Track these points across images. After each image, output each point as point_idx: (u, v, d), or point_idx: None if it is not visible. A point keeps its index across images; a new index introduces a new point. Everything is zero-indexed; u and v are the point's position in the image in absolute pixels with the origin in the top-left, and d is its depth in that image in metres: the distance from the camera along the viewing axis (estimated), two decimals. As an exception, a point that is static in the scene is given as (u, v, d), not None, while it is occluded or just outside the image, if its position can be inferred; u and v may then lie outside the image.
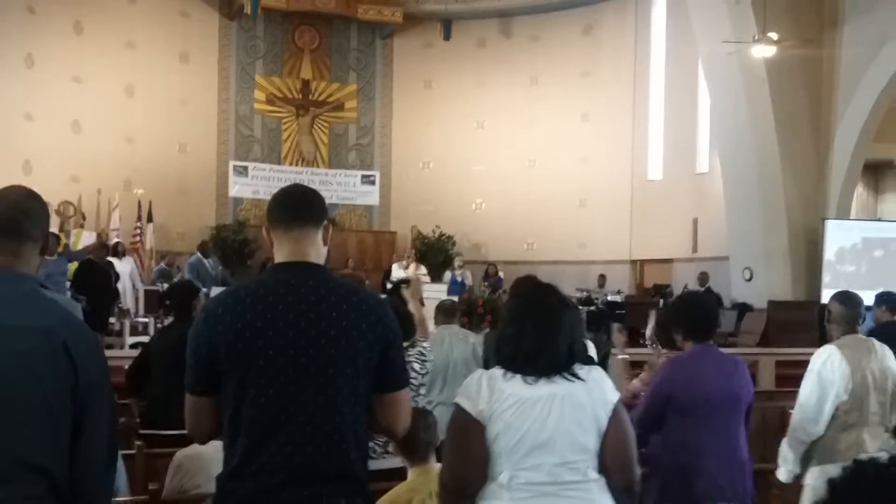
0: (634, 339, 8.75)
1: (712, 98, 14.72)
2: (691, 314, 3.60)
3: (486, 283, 14.86)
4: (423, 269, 14.20)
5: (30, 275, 2.00)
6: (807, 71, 13.13)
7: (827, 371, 3.80)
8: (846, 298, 3.97)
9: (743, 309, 13.47)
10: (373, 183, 17.98)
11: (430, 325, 5.29)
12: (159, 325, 11.08)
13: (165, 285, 13.12)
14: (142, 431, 4.64)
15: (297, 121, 18.29)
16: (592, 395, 2.44)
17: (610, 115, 18.27)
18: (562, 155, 18.46)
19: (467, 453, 2.40)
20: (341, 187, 17.44)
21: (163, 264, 14.15)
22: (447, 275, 14.54)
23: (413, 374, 4.03)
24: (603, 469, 2.43)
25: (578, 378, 2.43)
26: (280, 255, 2.26)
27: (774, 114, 13.09)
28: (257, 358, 2.10)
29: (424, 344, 4.24)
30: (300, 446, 2.09)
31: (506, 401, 2.40)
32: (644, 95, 18.14)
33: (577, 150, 18.45)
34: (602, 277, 16.37)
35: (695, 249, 16.61)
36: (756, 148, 13.49)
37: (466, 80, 18.66)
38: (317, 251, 2.27)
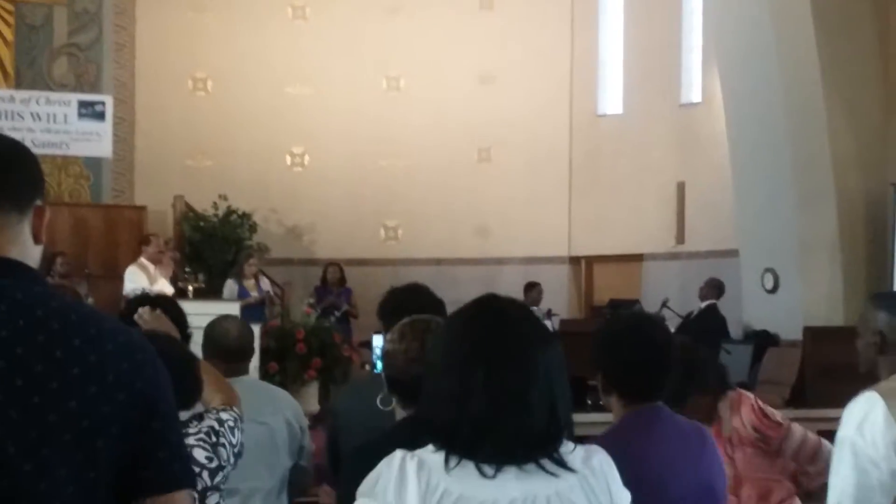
0: (578, 396, 8.96)
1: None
2: (620, 354, 3.71)
3: (311, 301, 14.82)
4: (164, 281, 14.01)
5: None
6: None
7: (864, 440, 3.80)
8: None
9: (762, 341, 13.96)
10: (101, 117, 17.55)
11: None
12: None
13: None
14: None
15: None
16: (596, 499, 2.55)
17: (532, -1, 18.66)
18: (446, 69, 18.70)
19: None
20: (41, 124, 16.98)
21: None
22: (229, 285, 14.45)
23: (195, 468, 3.96)
24: None
25: (568, 468, 2.52)
26: None
27: (814, 10, 13.63)
28: None
29: (224, 415, 4.22)
30: None
31: None
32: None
33: (474, 63, 18.72)
34: (533, 289, 16.58)
35: (680, 238, 17.13)
36: (783, 66, 14.02)
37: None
38: (21, 251, 2.31)
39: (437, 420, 2.54)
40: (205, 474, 4.10)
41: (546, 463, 2.49)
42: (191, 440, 4.04)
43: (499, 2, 18.83)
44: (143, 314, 4.73)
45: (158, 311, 4.85)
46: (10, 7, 18.01)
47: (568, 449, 2.53)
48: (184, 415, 3.99)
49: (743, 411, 5.33)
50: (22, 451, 2.12)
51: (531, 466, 2.48)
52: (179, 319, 4.88)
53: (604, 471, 2.57)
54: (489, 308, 2.68)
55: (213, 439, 4.15)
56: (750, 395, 5.51)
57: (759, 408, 5.34)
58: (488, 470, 2.46)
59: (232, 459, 4.23)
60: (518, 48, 18.61)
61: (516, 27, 18.63)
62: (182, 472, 2.32)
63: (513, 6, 18.68)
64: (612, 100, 18.68)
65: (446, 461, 2.48)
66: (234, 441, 4.24)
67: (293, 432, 5.49)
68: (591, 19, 18.80)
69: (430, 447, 2.53)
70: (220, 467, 4.16)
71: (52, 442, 2.14)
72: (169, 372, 3.73)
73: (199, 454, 4.08)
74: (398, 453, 2.54)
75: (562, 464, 2.50)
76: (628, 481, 3.50)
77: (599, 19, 18.78)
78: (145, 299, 5.21)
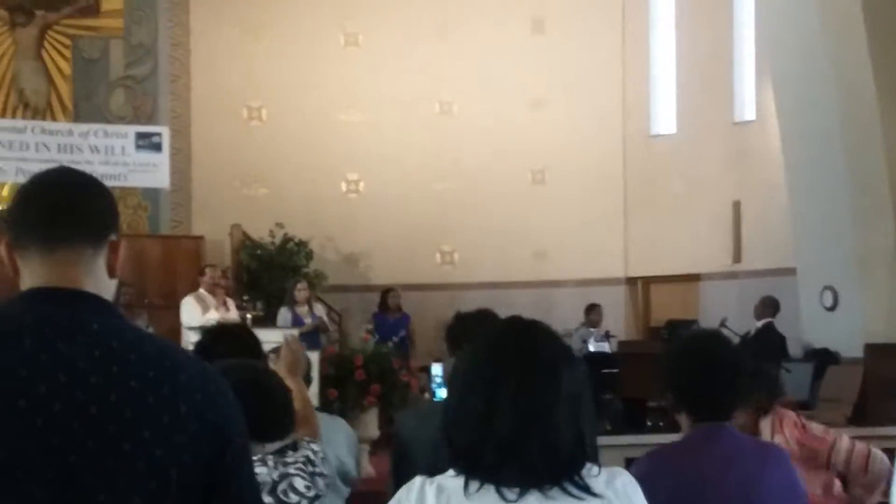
0: (637, 417, 8.88)
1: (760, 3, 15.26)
2: (684, 372, 3.73)
3: (369, 327, 14.86)
4: (232, 308, 14.10)
5: None
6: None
7: None
8: None
9: (823, 360, 13.84)
10: (158, 148, 17.71)
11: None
12: None
13: None
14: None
15: (11, 34, 17.98)
16: None
17: (582, 22, 18.66)
18: (499, 93, 18.73)
19: None
20: (100, 157, 17.13)
21: None
22: (283, 313, 14.51)
23: (295, 498, 4.06)
24: None
25: (591, 493, 2.50)
26: (32, 284, 2.34)
27: (867, 24, 13.57)
28: None
29: (314, 446, 4.26)
30: None
31: None
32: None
33: (527, 86, 18.76)
34: (594, 310, 16.56)
35: (737, 258, 17.04)
36: (837, 81, 13.93)
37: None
38: (95, 284, 2.35)
39: (461, 441, 2.53)
40: (304, 503, 4.14)
41: (569, 486, 2.47)
42: (290, 469, 4.10)
43: (550, 25, 18.86)
44: (290, 340, 4.82)
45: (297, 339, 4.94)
46: (67, 41, 18.22)
47: (591, 472, 2.51)
48: (277, 445, 4.10)
49: (785, 429, 5.30)
50: (98, 480, 2.15)
51: (554, 491, 2.46)
52: (254, 347, 4.96)
53: (627, 493, 2.55)
54: (514, 329, 2.68)
55: (311, 468, 4.18)
56: (791, 412, 5.48)
57: (802, 424, 5.32)
58: (510, 494, 2.45)
59: (324, 490, 4.26)
60: (570, 70, 18.62)
61: (568, 49, 18.64)
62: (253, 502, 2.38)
63: (564, 29, 18.71)
64: (665, 120, 18.64)
65: (466, 486, 2.47)
66: (325, 472, 4.28)
67: (342, 467, 5.48)
68: (642, 40, 18.81)
69: (451, 472, 2.51)
70: (317, 496, 4.18)
71: (126, 470, 2.17)
72: (267, 402, 3.89)
73: (299, 483, 4.11)
74: (417, 479, 2.54)
75: (585, 488, 2.48)
76: (665, 498, 3.42)
77: (650, 39, 18.77)
78: (222, 329, 5.23)
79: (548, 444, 2.48)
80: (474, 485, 2.46)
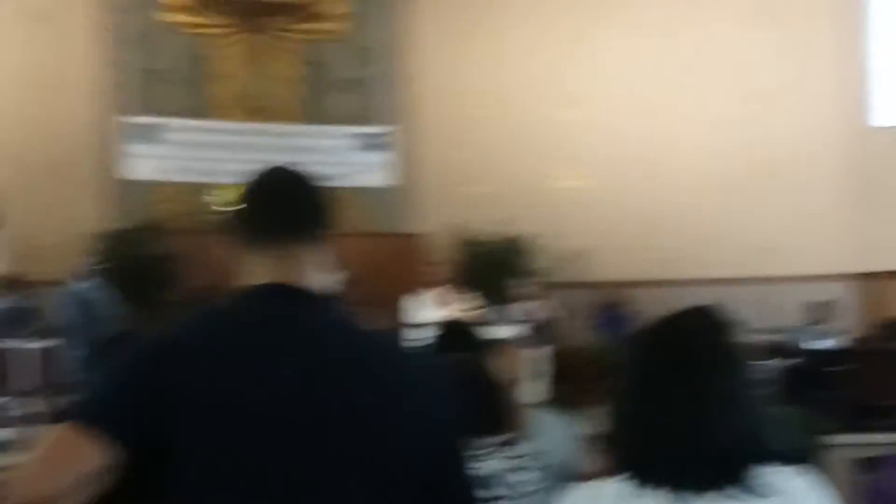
0: (867, 416, 8.68)
1: None
2: None
3: (595, 324, 14.89)
4: (456, 305, 14.23)
5: None
6: None
7: None
8: None
9: None
10: (382, 148, 18.00)
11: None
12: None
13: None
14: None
15: (242, 40, 18.41)
16: None
17: (800, 11, 18.54)
18: (716, 88, 18.73)
19: None
20: (325, 157, 17.46)
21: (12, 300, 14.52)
22: (507, 311, 14.58)
23: (516, 491, 4.13)
24: None
25: (759, 494, 2.41)
26: (257, 281, 2.41)
27: None
28: (222, 435, 2.20)
29: (530, 442, 4.33)
30: None
31: None
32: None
33: (743, 79, 18.70)
34: (822, 307, 16.32)
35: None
36: None
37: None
38: (318, 280, 2.42)
39: (629, 444, 2.49)
40: (516, 497, 4.17)
41: (732, 489, 2.38)
42: (505, 464, 4.14)
43: (766, 18, 18.62)
44: (513, 341, 4.93)
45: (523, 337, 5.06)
46: (295, 46, 18.52)
47: (764, 472, 2.41)
48: (497, 439, 4.14)
49: None
50: (322, 474, 2.22)
51: (730, 490, 2.38)
52: (478, 343, 5.02)
53: (805, 491, 2.43)
54: (671, 323, 2.60)
55: (528, 463, 4.23)
56: None
57: None
58: (684, 495, 2.38)
59: (541, 485, 4.27)
60: (787, 62, 18.52)
61: (784, 41, 18.54)
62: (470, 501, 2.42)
63: (780, 21, 18.55)
64: (884, 107, 18.36)
65: (626, 489, 2.42)
66: (542, 466, 4.30)
67: (560, 463, 5.50)
68: (861, 27, 18.47)
69: (621, 476, 2.45)
70: (527, 493, 4.20)
71: (350, 465, 2.23)
72: (488, 398, 3.98)
73: (513, 477, 4.15)
74: (578, 488, 2.52)
75: (751, 489, 2.38)
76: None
77: (869, 26, 18.40)
78: (446, 326, 5.32)
79: (718, 446, 2.40)
80: (633, 488, 2.41)
